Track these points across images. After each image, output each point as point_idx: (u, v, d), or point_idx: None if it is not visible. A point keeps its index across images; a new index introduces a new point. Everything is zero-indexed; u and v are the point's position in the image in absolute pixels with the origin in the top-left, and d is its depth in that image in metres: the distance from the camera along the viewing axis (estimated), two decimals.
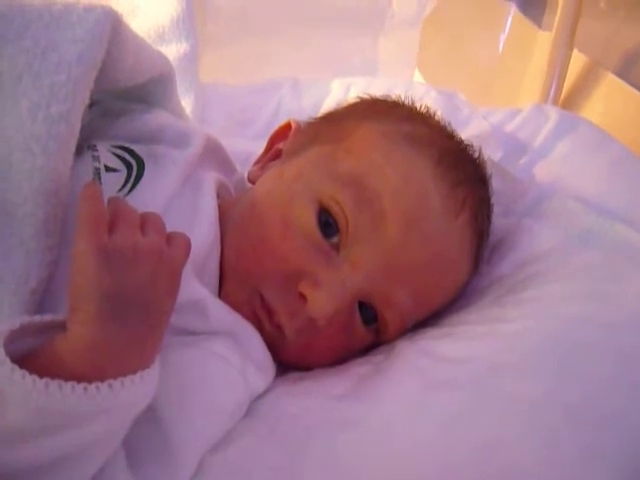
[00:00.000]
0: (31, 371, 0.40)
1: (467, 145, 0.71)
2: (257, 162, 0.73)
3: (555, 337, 0.54)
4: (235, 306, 0.59)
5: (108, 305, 0.43)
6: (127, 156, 0.62)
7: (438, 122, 0.71)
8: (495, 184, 0.72)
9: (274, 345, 0.61)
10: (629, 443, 0.46)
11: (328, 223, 0.59)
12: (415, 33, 1.43)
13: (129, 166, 0.61)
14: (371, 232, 0.59)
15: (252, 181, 0.70)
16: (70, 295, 0.44)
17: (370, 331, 0.63)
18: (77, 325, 0.43)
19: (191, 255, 0.52)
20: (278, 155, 0.71)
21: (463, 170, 0.65)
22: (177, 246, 0.50)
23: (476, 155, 0.71)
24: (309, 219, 0.59)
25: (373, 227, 0.59)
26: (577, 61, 1.14)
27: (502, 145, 0.88)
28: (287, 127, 0.73)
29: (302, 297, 0.58)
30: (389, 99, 0.74)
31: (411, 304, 0.61)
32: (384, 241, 0.59)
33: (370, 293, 0.60)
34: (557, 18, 1.12)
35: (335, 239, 0.59)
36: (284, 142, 0.72)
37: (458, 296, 0.68)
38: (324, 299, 0.57)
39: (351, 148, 0.63)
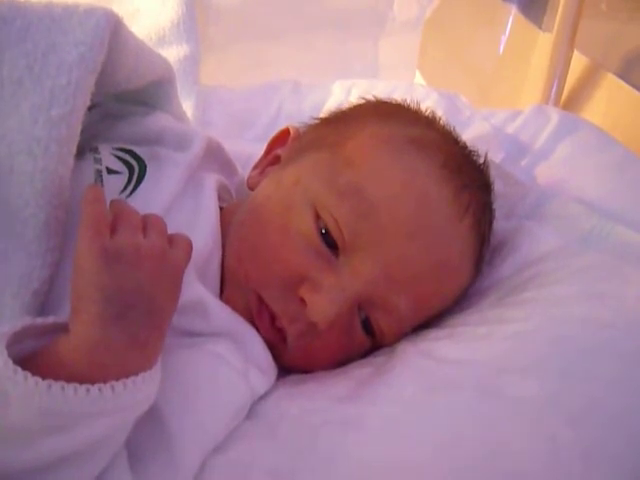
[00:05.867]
0: (34, 372, 0.40)
1: (471, 150, 0.71)
2: (255, 167, 0.73)
3: (556, 339, 0.54)
4: (236, 310, 0.60)
5: (110, 306, 0.44)
6: (129, 158, 0.63)
7: (443, 127, 0.71)
8: (496, 186, 0.72)
9: (275, 349, 0.61)
10: (633, 445, 0.46)
11: (325, 232, 0.59)
12: (416, 35, 1.43)
13: (131, 168, 0.62)
14: (370, 242, 0.59)
15: (251, 187, 0.70)
16: (72, 296, 0.45)
17: (367, 336, 0.62)
18: (79, 326, 0.43)
19: (192, 256, 0.52)
20: (277, 161, 0.71)
21: (468, 175, 0.65)
22: (179, 247, 0.51)
23: (480, 161, 0.71)
24: (308, 226, 0.59)
25: (372, 237, 0.59)
26: (578, 62, 1.14)
27: (503, 147, 0.88)
28: (286, 133, 0.73)
29: (302, 302, 0.58)
30: (393, 101, 0.74)
31: (411, 310, 0.61)
32: (384, 251, 0.59)
33: (370, 298, 0.60)
34: (558, 19, 1.12)
35: (334, 246, 0.59)
36: (282, 148, 0.71)
37: (459, 299, 0.68)
38: (325, 303, 0.57)
39: (351, 156, 0.63)
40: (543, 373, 0.51)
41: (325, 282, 0.57)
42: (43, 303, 0.51)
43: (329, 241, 0.59)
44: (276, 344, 0.60)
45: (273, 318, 0.59)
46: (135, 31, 0.60)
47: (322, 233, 0.59)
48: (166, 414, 0.49)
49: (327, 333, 0.59)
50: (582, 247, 0.67)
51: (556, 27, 1.12)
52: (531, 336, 0.55)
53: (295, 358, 0.62)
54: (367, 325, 0.61)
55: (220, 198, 0.68)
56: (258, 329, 0.60)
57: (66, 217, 0.52)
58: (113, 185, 0.59)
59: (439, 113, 0.74)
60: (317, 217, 0.60)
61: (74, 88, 0.51)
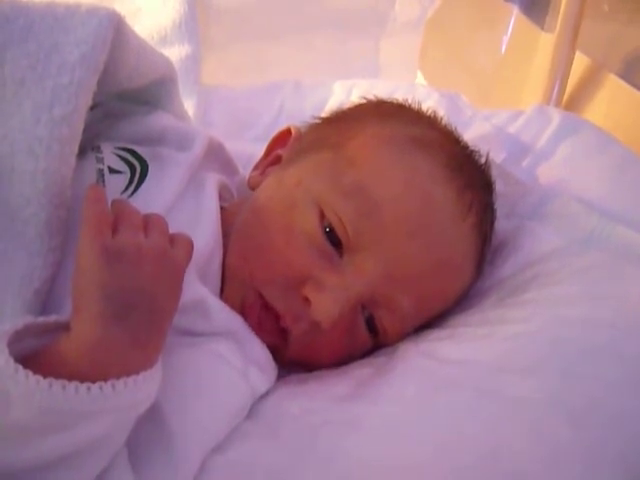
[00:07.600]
0: (35, 371, 0.40)
1: (473, 150, 0.71)
2: (256, 167, 0.73)
3: (557, 339, 0.54)
4: (236, 309, 0.60)
5: (111, 305, 0.44)
6: (130, 158, 0.63)
7: (445, 127, 0.71)
8: (498, 186, 0.72)
9: (276, 347, 0.61)
10: (633, 445, 0.46)
11: (330, 230, 0.59)
12: (417, 35, 1.43)
13: (132, 168, 0.62)
14: (373, 241, 0.59)
15: (252, 187, 0.70)
16: (73, 295, 0.45)
17: (370, 335, 0.63)
18: (80, 325, 0.43)
19: (194, 256, 0.52)
20: (277, 161, 0.71)
21: (469, 175, 0.65)
22: (180, 247, 0.51)
23: (482, 161, 0.71)
24: (312, 225, 0.59)
25: (375, 236, 0.59)
26: (580, 63, 1.14)
27: (505, 147, 0.88)
28: (287, 133, 0.73)
29: (306, 301, 0.58)
30: (395, 101, 0.74)
31: (413, 309, 0.61)
32: (387, 249, 0.59)
33: (372, 298, 0.60)
34: (560, 20, 1.12)
35: (338, 244, 0.59)
36: (283, 149, 0.71)
37: (461, 299, 0.68)
38: (329, 303, 0.57)
39: (354, 156, 0.63)
40: (544, 373, 0.51)
41: (328, 282, 0.58)
42: (44, 302, 0.51)
43: (333, 240, 0.59)
44: (278, 343, 0.60)
45: (277, 318, 0.59)
46: (137, 30, 0.60)
47: (326, 232, 0.59)
48: (167, 413, 0.49)
49: (330, 331, 0.59)
50: (583, 247, 0.67)
51: (558, 27, 1.12)
52: (532, 336, 0.55)
53: (297, 356, 0.62)
54: (371, 324, 0.62)
55: (221, 198, 0.68)
56: (262, 328, 0.60)
57: (67, 216, 0.52)
58: (115, 185, 0.59)
59: (440, 113, 0.74)
60: (322, 216, 0.60)
61: (76, 87, 0.51)
